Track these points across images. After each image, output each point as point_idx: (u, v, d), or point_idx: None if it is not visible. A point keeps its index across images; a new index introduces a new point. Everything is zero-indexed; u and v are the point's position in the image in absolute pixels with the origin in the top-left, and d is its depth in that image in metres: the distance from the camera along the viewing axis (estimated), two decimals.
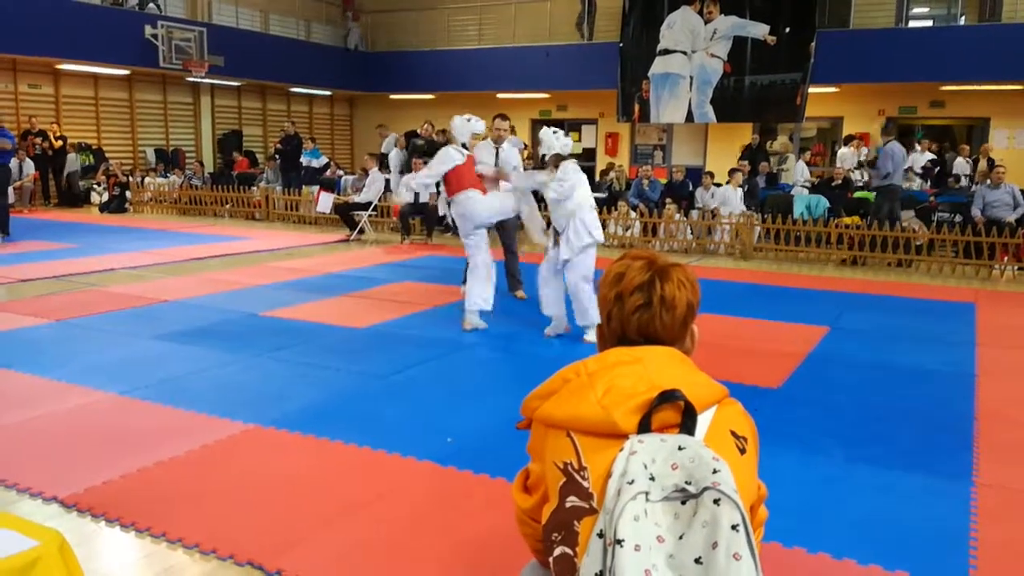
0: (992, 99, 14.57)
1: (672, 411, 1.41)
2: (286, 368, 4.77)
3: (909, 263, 9.68)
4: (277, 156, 14.86)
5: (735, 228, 10.70)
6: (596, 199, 6.17)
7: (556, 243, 5.51)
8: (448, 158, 5.79)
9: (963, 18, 15.09)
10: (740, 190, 11.66)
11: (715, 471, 1.28)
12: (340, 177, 14.50)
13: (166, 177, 15.48)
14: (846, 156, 14.02)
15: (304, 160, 14.41)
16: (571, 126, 17.92)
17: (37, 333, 5.48)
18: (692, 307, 1.57)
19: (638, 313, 1.53)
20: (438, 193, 11.14)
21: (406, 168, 12.24)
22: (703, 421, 1.43)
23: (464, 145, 5.99)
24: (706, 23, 14.31)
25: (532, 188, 5.83)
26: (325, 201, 12.24)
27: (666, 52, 14.66)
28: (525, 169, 7.04)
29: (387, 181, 12.32)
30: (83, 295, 6.81)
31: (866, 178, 12.51)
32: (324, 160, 14.93)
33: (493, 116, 6.84)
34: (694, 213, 11.68)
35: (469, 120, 6.00)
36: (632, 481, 1.28)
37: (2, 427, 3.68)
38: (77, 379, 4.38)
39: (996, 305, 7.41)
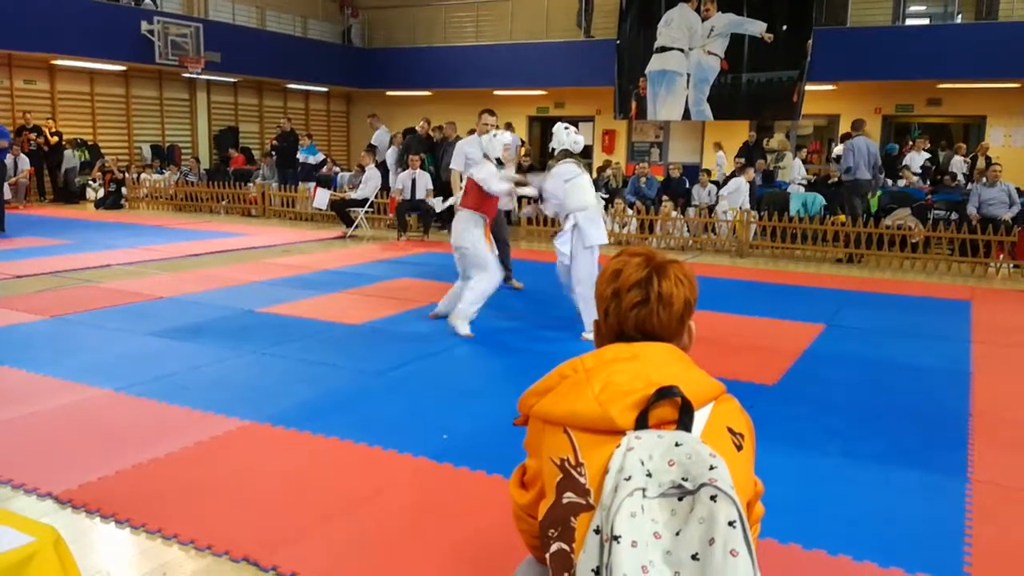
0: (989, 97, 14.60)
1: (669, 407, 1.41)
2: (282, 364, 4.76)
3: (901, 263, 9.70)
4: (273, 152, 14.83)
5: (732, 225, 10.71)
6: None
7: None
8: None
9: (960, 16, 15.11)
10: (749, 185, 11.63)
11: (712, 467, 1.28)
12: (337, 173, 14.48)
13: (162, 173, 15.43)
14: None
15: (300, 156, 14.38)
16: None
17: (32, 329, 5.47)
18: (689, 304, 1.57)
19: (635, 310, 1.53)
20: (434, 192, 11.17)
21: (401, 164, 12.23)
22: (700, 417, 1.42)
23: (499, 160, 5.84)
24: (703, 20, 14.31)
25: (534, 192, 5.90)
26: (321, 197, 12.22)
27: (663, 49, 14.66)
28: (525, 164, 7.07)
29: (384, 177, 12.29)
30: (78, 291, 6.79)
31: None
32: (321, 156, 14.90)
33: (480, 111, 6.86)
34: (691, 211, 11.68)
35: (496, 135, 5.91)
36: (629, 477, 1.28)
37: None
38: (72, 375, 4.36)
39: (991, 303, 7.43)
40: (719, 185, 12.31)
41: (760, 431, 1.66)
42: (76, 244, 9.50)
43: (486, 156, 5.80)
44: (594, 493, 1.35)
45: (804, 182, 13.18)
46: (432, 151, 12.08)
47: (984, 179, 10.35)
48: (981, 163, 12.68)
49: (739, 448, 1.44)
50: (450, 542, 2.65)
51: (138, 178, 15.09)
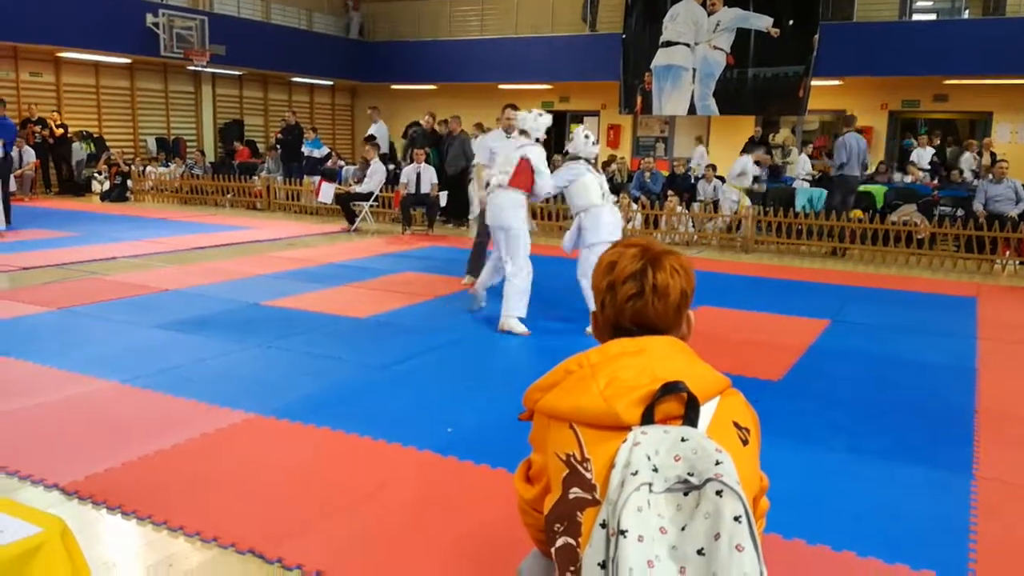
0: (995, 93, 14.54)
1: (675, 402, 1.40)
2: (287, 357, 4.77)
3: (907, 259, 9.68)
4: (278, 146, 14.84)
5: (736, 218, 10.69)
6: None
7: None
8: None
9: (967, 12, 15.05)
10: (758, 168, 11.61)
11: (718, 462, 1.28)
12: (341, 167, 14.47)
13: (167, 166, 15.45)
14: None
15: (305, 150, 14.37)
16: (573, 117, 17.88)
17: (38, 321, 5.49)
18: (686, 294, 1.55)
19: (631, 302, 1.52)
20: (439, 185, 11.17)
21: (406, 158, 12.21)
22: (706, 412, 1.42)
23: (538, 140, 5.85)
24: (709, 15, 14.27)
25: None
26: (326, 191, 12.21)
27: (669, 44, 14.63)
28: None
29: (390, 172, 12.28)
30: (84, 283, 6.81)
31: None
32: (325, 150, 14.89)
33: (504, 106, 6.89)
34: (695, 206, 11.66)
35: (541, 115, 5.88)
36: (636, 472, 1.28)
37: (4, 415, 3.68)
38: (78, 367, 4.38)
39: (997, 299, 7.41)
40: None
41: (765, 426, 1.66)
42: (82, 236, 9.52)
43: (524, 133, 5.81)
44: (600, 488, 1.35)
45: (809, 177, 13.14)
46: (437, 145, 12.07)
47: (990, 175, 10.31)
48: (986, 159, 12.62)
49: (745, 443, 1.44)
50: (455, 535, 2.66)
51: (143, 171, 15.12)
